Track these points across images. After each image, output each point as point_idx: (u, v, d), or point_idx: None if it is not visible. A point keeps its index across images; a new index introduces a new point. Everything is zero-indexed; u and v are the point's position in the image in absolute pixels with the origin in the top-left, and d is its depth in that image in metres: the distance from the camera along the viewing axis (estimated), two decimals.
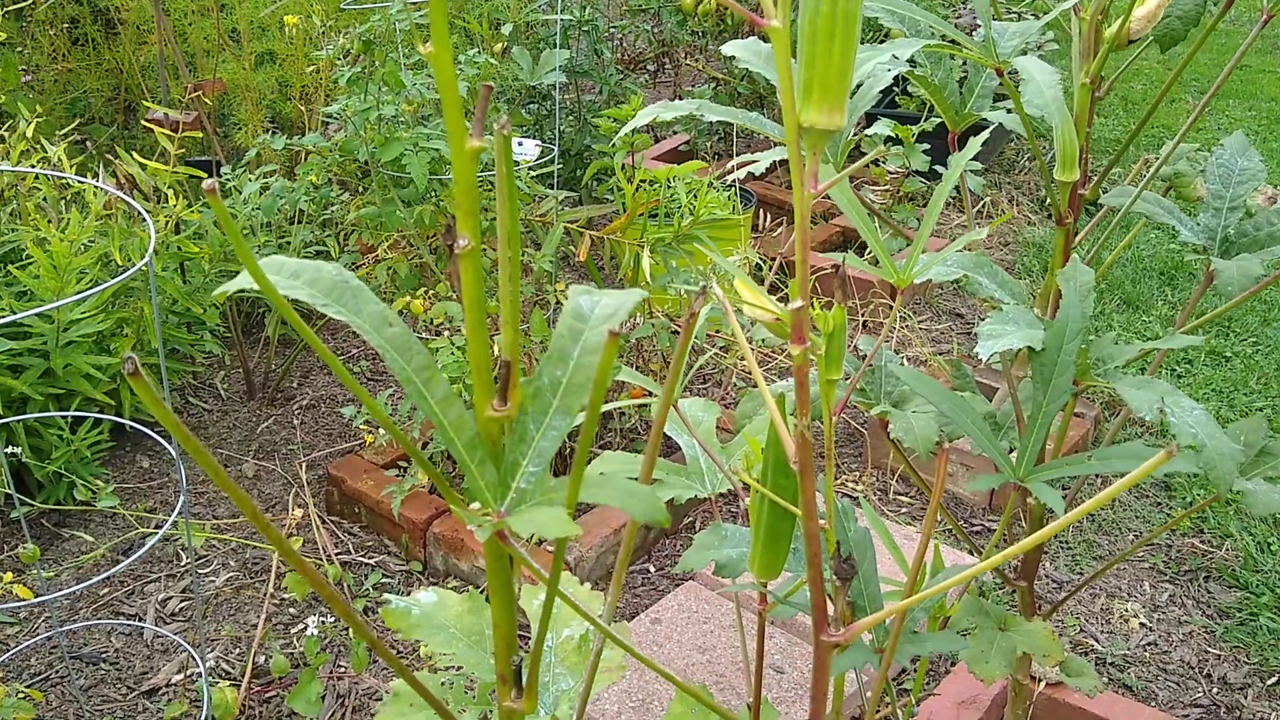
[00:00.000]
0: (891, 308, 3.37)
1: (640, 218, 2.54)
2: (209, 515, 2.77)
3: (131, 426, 2.87)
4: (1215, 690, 2.35)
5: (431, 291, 2.43)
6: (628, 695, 2.24)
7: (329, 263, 0.80)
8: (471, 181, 0.73)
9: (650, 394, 1.53)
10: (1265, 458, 1.68)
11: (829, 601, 0.94)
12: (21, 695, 1.93)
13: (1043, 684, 2.16)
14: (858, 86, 1.69)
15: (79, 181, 2.47)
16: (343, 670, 2.30)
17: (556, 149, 2.57)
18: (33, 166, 2.73)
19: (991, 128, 1.65)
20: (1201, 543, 2.74)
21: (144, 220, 2.80)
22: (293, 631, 2.41)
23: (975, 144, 1.16)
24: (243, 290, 0.75)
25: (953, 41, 1.46)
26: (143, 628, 2.39)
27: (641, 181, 2.75)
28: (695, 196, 2.65)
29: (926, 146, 3.52)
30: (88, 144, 4.01)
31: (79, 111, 4.12)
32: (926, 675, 2.37)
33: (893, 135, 3.60)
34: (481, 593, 1.31)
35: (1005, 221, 4.27)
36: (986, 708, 2.14)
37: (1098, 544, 2.76)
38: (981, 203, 4.31)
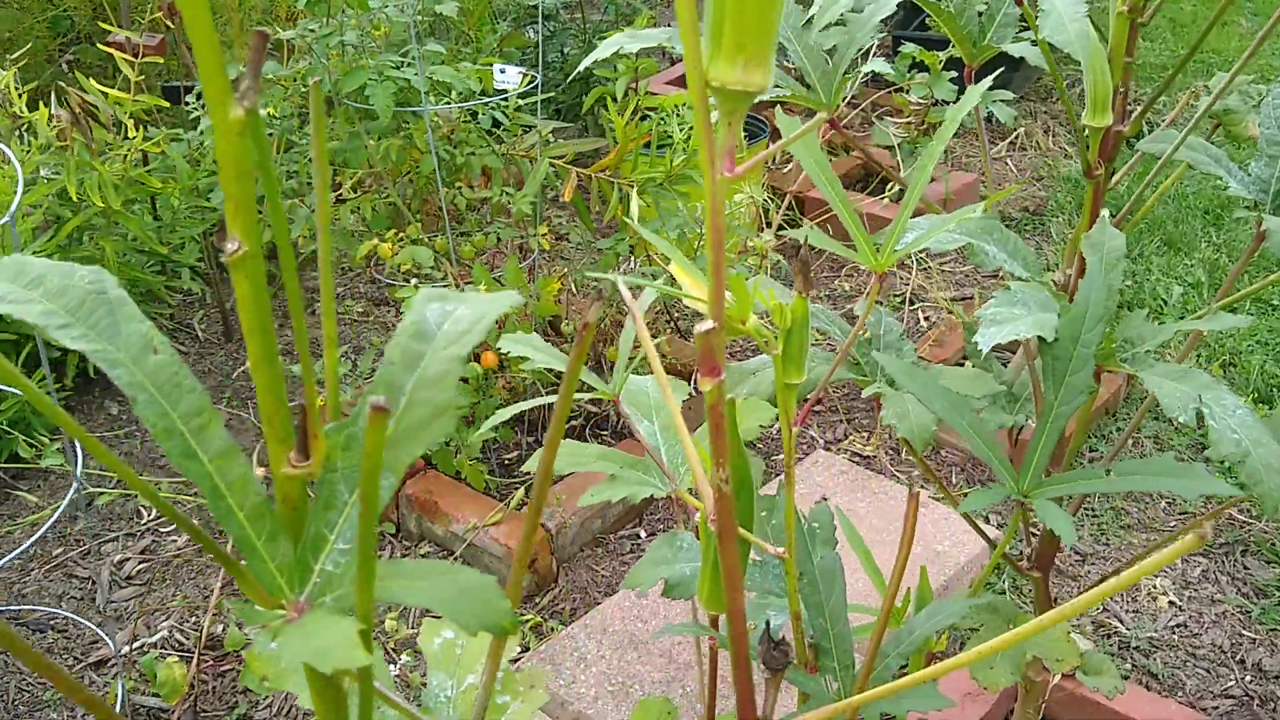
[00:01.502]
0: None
1: (634, 153, 2.32)
2: (177, 470, 2.60)
3: (91, 371, 2.70)
4: (1249, 679, 2.15)
5: (402, 235, 2.23)
6: (606, 678, 2.07)
7: (86, 267, 0.61)
8: (242, 163, 0.53)
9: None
10: None
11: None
12: None
13: (1058, 675, 1.97)
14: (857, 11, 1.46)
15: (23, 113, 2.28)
16: None
17: (540, 75, 2.34)
18: None
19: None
20: (1240, 513, 2.53)
21: (109, 151, 2.61)
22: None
23: (981, 86, 0.94)
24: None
25: None
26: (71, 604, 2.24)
27: (647, 110, 2.52)
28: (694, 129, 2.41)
29: (955, 74, 3.25)
30: (71, 65, 3.80)
31: (62, 31, 3.91)
32: (932, 659, 2.19)
33: (918, 61, 3.34)
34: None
35: (1014, 189, 4.00)
36: (995, 700, 1.96)
37: (1126, 511, 2.55)
38: (1014, 134, 4.04)
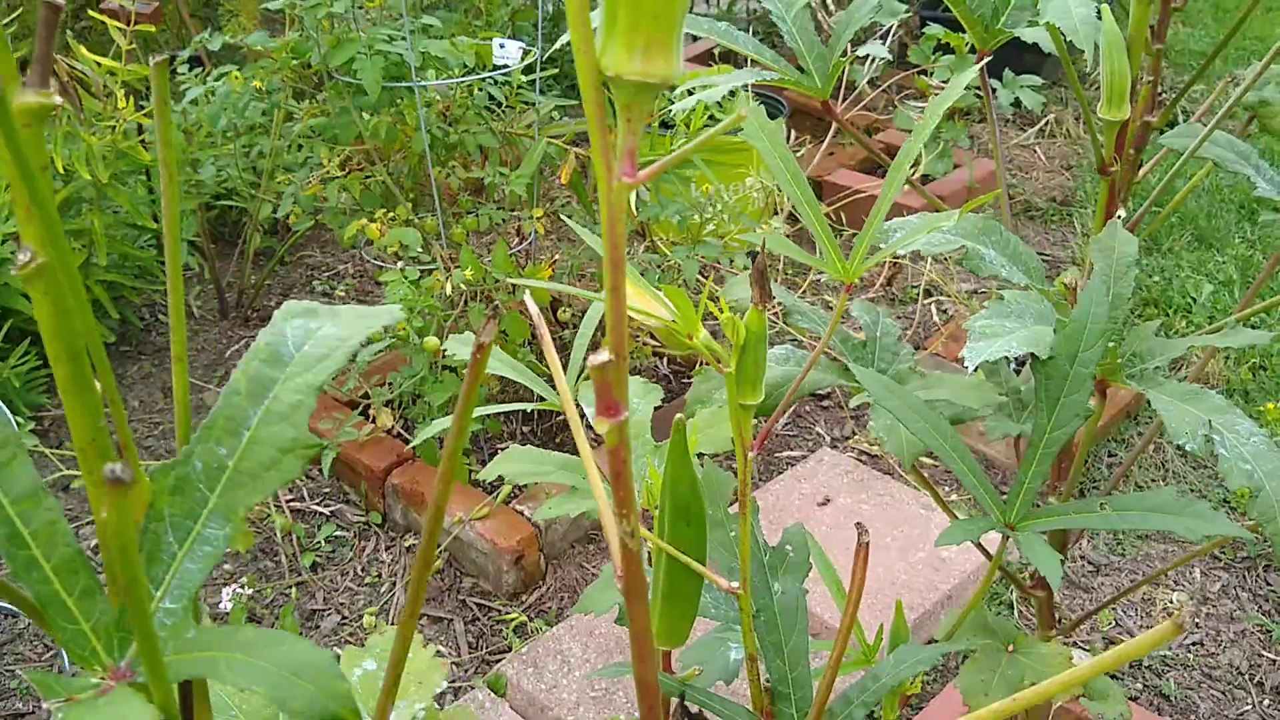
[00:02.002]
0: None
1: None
2: (162, 450, 2.54)
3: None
4: (1266, 703, 2.05)
5: (390, 215, 2.15)
6: (589, 684, 1.99)
7: None
8: (32, 158, 0.44)
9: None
10: None
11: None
12: None
13: (1059, 700, 1.87)
14: None
15: None
16: None
17: (540, 51, 2.24)
18: None
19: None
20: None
21: (99, 123, 2.53)
22: (233, 593, 2.18)
23: (971, 71, 0.84)
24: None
25: None
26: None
27: None
28: (701, 110, 2.31)
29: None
30: (81, 33, 3.73)
31: None
32: (930, 675, 2.10)
33: (943, 44, 3.22)
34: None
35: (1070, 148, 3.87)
36: None
37: None
38: (1044, 121, 3.91)
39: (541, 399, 1.02)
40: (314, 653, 0.46)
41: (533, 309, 0.62)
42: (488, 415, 2.27)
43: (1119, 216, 1.28)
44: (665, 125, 2.31)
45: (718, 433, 1.22)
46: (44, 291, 0.45)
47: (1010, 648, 1.49)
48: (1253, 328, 1.15)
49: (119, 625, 0.50)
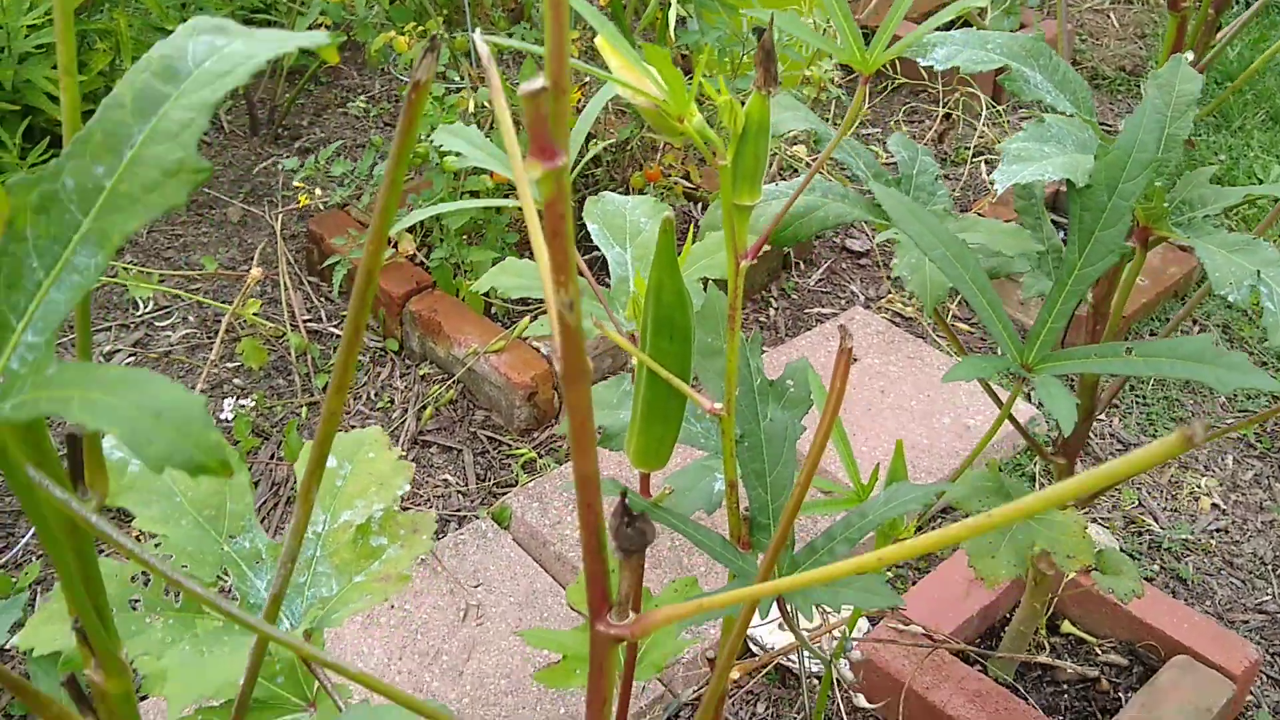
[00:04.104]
0: (979, 96, 2.88)
1: None
2: (181, 263, 2.50)
3: None
4: None
5: (421, 29, 2.05)
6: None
7: None
8: None
9: None
10: None
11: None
12: None
13: (1071, 572, 1.82)
14: None
15: None
16: (282, 457, 2.05)
17: None
18: None
19: None
20: None
21: None
22: (235, 405, 2.16)
23: None
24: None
25: None
26: None
27: None
28: None
29: None
30: None
31: None
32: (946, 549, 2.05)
33: None
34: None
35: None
36: (1001, 590, 1.82)
37: (1180, 403, 2.35)
38: None
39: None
40: (182, 396, 0.41)
41: (483, 51, 0.54)
42: (508, 244, 2.19)
43: (1184, 55, 1.17)
44: None
45: (723, 258, 1.14)
46: None
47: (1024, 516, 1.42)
48: None
49: None
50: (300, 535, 0.61)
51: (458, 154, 0.92)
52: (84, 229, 0.44)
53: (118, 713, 0.56)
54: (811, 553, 0.82)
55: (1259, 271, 0.90)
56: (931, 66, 0.98)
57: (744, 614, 0.65)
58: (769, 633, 1.80)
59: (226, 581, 0.79)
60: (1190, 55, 1.25)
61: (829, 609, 1.81)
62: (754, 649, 1.77)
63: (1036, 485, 2.18)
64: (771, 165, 2.65)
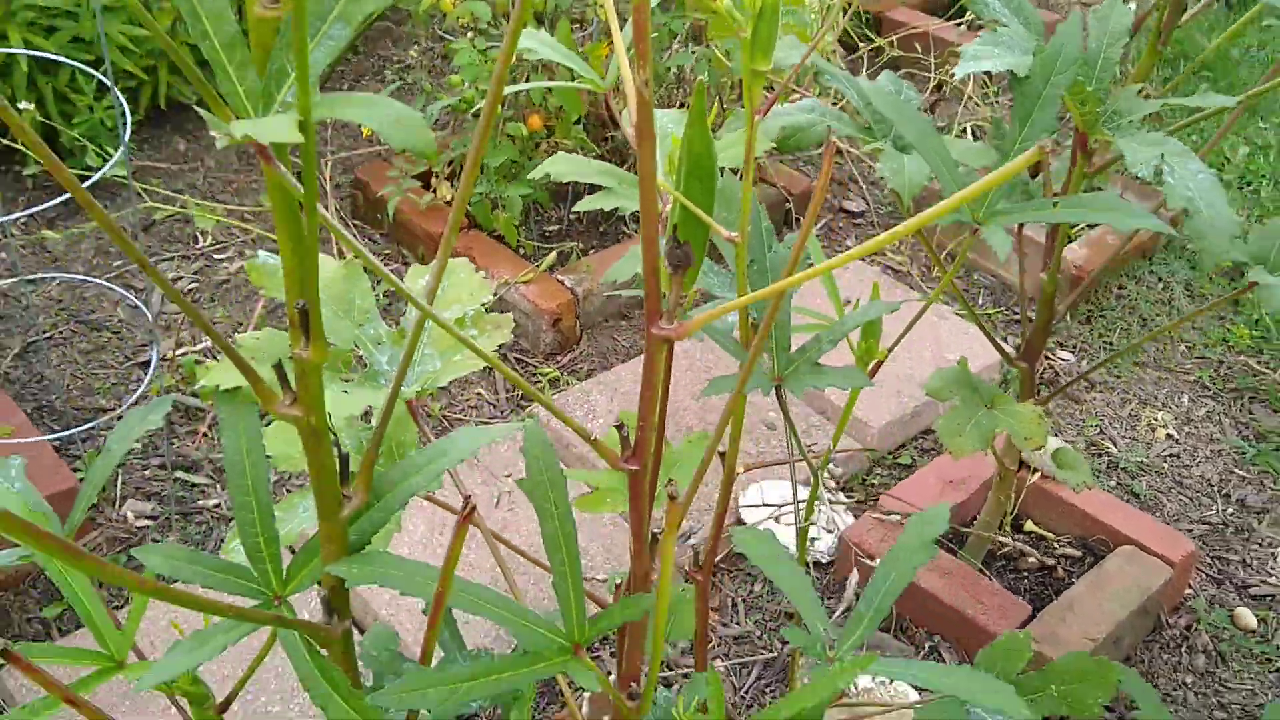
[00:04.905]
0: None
1: None
2: (235, 203, 2.74)
3: (163, 105, 2.82)
4: (1230, 510, 2.22)
5: None
6: (609, 430, 2.20)
7: None
8: None
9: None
10: None
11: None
12: None
13: (1037, 474, 2.06)
14: None
15: None
16: None
17: None
18: None
19: None
20: (1257, 363, 2.56)
21: None
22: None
23: None
24: None
25: None
26: (136, 302, 2.40)
27: None
28: None
29: None
30: None
31: None
32: (923, 455, 2.29)
33: None
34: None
35: None
36: (974, 490, 2.06)
37: (1144, 349, 2.60)
38: None
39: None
40: (413, 113, 0.64)
41: None
42: (539, 186, 2.43)
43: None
44: None
45: (738, 151, 1.38)
46: None
47: (989, 405, 1.67)
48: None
49: (263, 93, 0.68)
50: (419, 326, 0.83)
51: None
52: (336, 10, 0.68)
53: (310, 382, 0.79)
54: (803, 352, 1.06)
55: (1162, 155, 1.14)
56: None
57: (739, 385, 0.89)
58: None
59: (357, 352, 1.03)
60: (1133, 4, 1.49)
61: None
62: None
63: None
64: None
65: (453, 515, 0.90)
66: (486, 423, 2.24)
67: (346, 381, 0.99)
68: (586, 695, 1.59)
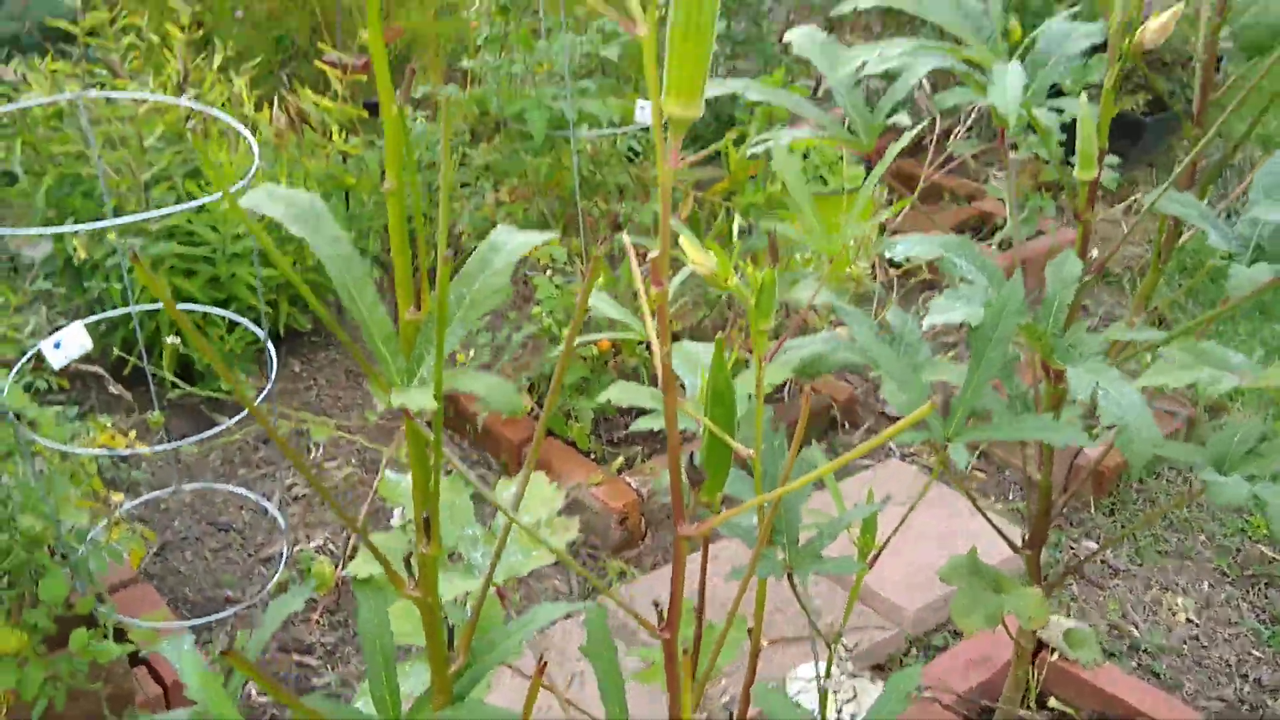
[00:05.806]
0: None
1: (744, 182, 2.72)
2: (342, 417, 3.10)
3: (281, 332, 3.23)
4: (1246, 689, 2.40)
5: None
6: None
7: (306, 193, 1.04)
8: (397, 138, 0.95)
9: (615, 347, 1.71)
10: (1253, 458, 1.76)
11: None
12: (136, 532, 2.28)
13: (1056, 654, 2.27)
14: (891, 80, 1.83)
15: (217, 116, 2.81)
16: None
17: None
18: (220, 95, 3.10)
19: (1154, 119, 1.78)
20: (1273, 550, 2.77)
21: (315, 151, 3.14)
22: (391, 523, 2.72)
23: (892, 151, 1.31)
24: None
25: (955, 40, 1.60)
26: (264, 506, 2.74)
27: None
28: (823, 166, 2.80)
29: (1063, 137, 3.55)
30: (290, 77, 4.42)
31: (285, 48, 4.53)
32: (955, 637, 2.51)
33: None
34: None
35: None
36: (997, 669, 2.27)
37: (1166, 539, 2.81)
38: (1130, 199, 4.29)
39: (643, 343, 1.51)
40: (505, 383, 0.96)
41: (626, 241, 1.12)
42: (608, 400, 2.76)
43: (1071, 252, 1.72)
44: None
45: (774, 374, 1.67)
46: (392, 205, 0.97)
47: (995, 589, 1.93)
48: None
49: (408, 371, 1.00)
50: (507, 530, 1.14)
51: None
52: (458, 315, 1.01)
53: (429, 572, 1.09)
54: (809, 544, 1.34)
55: (1098, 381, 1.43)
56: (892, 259, 1.54)
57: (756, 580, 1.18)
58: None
59: (457, 550, 1.33)
60: (1072, 252, 1.79)
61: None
62: None
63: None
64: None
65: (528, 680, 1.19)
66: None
67: (447, 571, 1.30)
68: None
